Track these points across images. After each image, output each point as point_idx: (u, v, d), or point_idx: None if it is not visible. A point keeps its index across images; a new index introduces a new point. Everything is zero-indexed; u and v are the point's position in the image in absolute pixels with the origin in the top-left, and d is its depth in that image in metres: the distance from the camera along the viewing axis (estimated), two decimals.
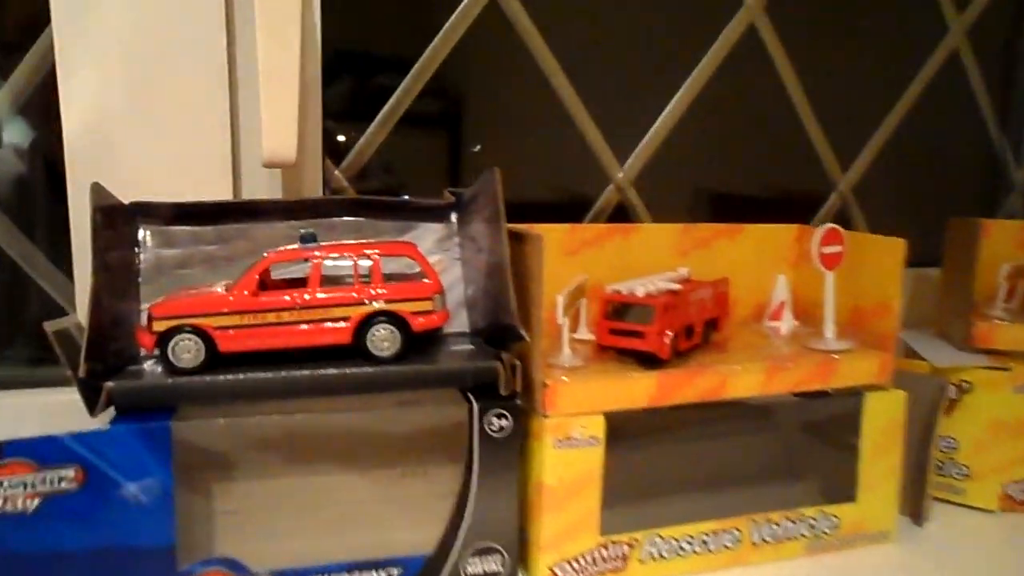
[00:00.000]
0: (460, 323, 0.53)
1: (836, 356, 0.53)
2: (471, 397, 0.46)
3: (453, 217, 0.54)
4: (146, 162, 0.52)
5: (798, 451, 0.57)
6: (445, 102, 0.69)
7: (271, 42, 0.47)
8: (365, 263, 0.46)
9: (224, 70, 0.52)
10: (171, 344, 0.43)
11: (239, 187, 0.54)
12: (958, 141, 0.89)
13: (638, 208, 0.75)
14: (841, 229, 0.55)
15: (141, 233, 0.50)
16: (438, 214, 0.54)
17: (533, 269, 0.46)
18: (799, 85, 0.80)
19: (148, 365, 0.46)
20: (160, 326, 0.43)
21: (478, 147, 0.68)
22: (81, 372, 0.41)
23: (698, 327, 0.53)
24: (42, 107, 0.58)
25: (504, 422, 0.46)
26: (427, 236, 0.54)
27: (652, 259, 0.60)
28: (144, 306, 0.49)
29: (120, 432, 0.41)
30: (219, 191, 0.53)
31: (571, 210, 0.74)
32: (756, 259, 0.63)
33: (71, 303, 0.62)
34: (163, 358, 0.43)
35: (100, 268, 0.44)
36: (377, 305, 0.45)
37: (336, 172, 0.65)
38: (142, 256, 0.50)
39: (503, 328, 0.48)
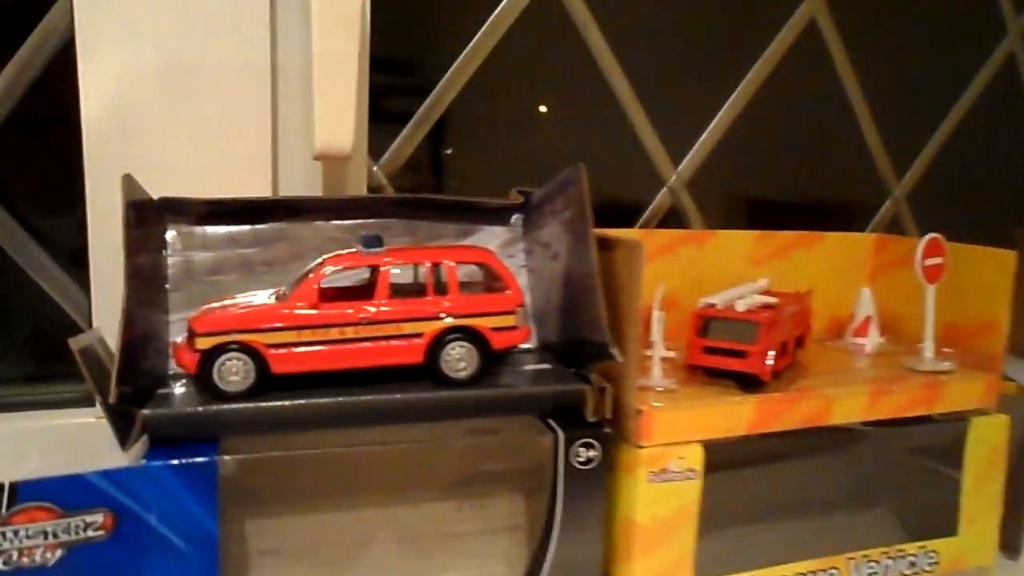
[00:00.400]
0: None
1: (942, 378, 0.48)
2: (555, 425, 0.41)
3: (516, 220, 0.49)
4: (175, 153, 0.46)
5: (895, 481, 0.52)
6: (487, 99, 0.63)
7: (328, 16, 0.41)
8: (439, 271, 0.40)
9: (266, 49, 0.46)
10: (217, 364, 0.37)
11: (277, 184, 0.48)
12: (1013, 147, 0.86)
13: (690, 212, 0.70)
14: (943, 239, 0.50)
15: (170, 233, 0.44)
16: (502, 216, 0.49)
17: (627, 281, 0.41)
18: (858, 87, 0.75)
19: (179, 387, 0.40)
20: (205, 343, 0.37)
21: (450, 135, 0.62)
22: (112, 397, 0.35)
23: (790, 345, 0.48)
24: (51, 89, 0.51)
25: (592, 453, 0.40)
26: (489, 241, 0.48)
27: (726, 268, 0.55)
28: (173, 318, 0.43)
29: (157, 469, 0.35)
30: (257, 187, 0.47)
31: (618, 214, 0.69)
32: (833, 270, 0.58)
33: (76, 308, 0.55)
34: (205, 380, 0.37)
35: (131, 275, 0.38)
36: (453, 320, 0.39)
37: (375, 168, 0.59)
38: (170, 260, 0.44)
39: (583, 345, 0.42)
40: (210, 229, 0.44)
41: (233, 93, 0.46)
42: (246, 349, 0.37)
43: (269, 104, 0.47)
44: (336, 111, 0.42)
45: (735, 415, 0.43)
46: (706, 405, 0.42)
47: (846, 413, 0.45)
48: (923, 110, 0.80)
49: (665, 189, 0.69)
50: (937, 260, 0.50)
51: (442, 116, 0.61)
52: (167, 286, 0.43)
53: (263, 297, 0.41)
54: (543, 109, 0.66)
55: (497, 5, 0.61)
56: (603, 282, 0.41)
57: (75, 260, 0.53)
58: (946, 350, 0.52)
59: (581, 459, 0.40)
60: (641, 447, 0.41)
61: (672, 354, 0.48)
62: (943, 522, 0.50)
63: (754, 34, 0.71)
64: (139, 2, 0.44)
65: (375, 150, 0.59)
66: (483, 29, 0.61)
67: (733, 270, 0.55)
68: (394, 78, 0.61)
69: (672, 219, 0.70)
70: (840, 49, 0.74)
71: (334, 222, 0.46)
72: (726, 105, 0.70)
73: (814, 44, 0.73)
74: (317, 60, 0.41)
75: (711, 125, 0.70)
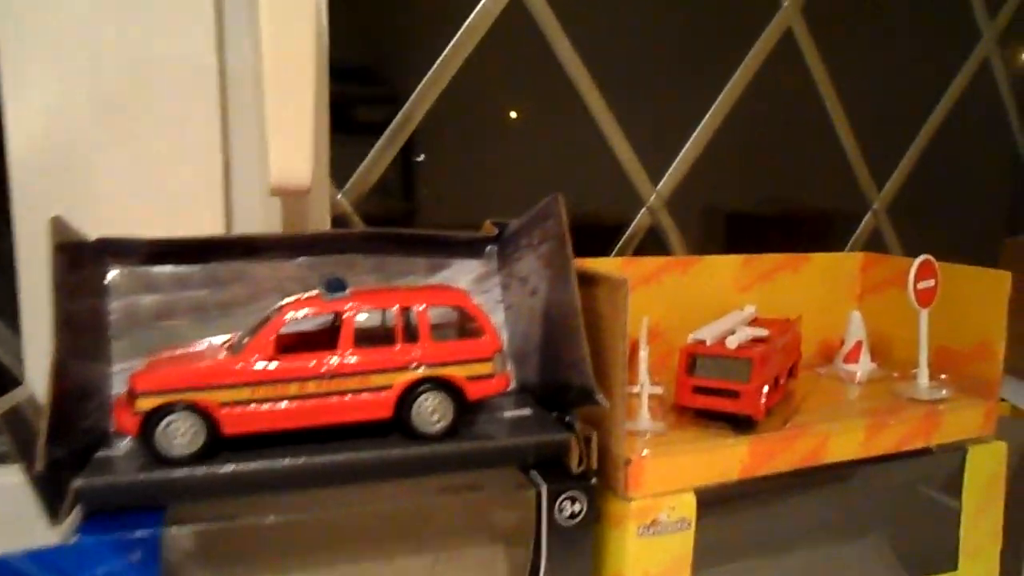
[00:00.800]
0: None
1: (939, 407, 0.46)
2: (538, 478, 0.37)
3: (491, 251, 0.46)
4: (116, 187, 0.42)
5: (892, 515, 0.50)
6: (459, 117, 0.60)
7: (279, 38, 0.37)
8: (409, 315, 0.37)
9: (213, 69, 0.42)
10: (161, 426, 0.33)
11: (231, 218, 0.45)
12: (993, 153, 0.85)
13: (670, 231, 0.68)
14: (935, 261, 0.48)
15: (111, 275, 0.40)
16: (475, 249, 0.45)
17: (611, 320, 0.38)
18: (836, 98, 0.74)
19: (124, 444, 0.36)
20: (146, 403, 0.33)
21: (421, 156, 0.59)
22: (38, 467, 0.31)
23: (782, 378, 0.46)
24: None
25: (577, 507, 0.37)
26: (462, 275, 0.45)
27: (712, 295, 0.52)
28: (117, 368, 0.39)
29: (93, 545, 0.31)
30: (208, 221, 0.43)
31: (597, 235, 0.66)
32: (821, 292, 0.56)
33: (11, 352, 0.51)
34: (148, 443, 0.33)
35: (63, 325, 0.34)
36: (425, 370, 0.36)
37: (339, 196, 0.56)
38: (112, 304, 0.40)
39: (566, 388, 0.39)
40: (157, 269, 0.40)
41: (178, 118, 0.42)
42: (194, 409, 0.33)
43: (219, 131, 0.43)
44: (292, 141, 0.38)
45: (729, 459, 0.40)
46: (698, 450, 0.40)
47: (842, 450, 0.43)
48: (901, 119, 0.79)
49: (644, 209, 0.66)
50: (930, 283, 0.48)
51: (409, 139, 0.58)
52: (109, 333, 0.39)
53: (215, 347, 0.37)
54: (517, 129, 0.63)
55: (464, 21, 0.58)
56: (586, 321, 0.38)
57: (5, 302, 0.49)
58: (941, 376, 0.50)
59: (566, 514, 0.37)
60: (630, 499, 0.38)
61: (659, 390, 0.45)
62: (943, 556, 0.48)
63: (729, 47, 0.69)
64: (71, 22, 0.40)
65: (338, 176, 0.56)
66: (450, 45, 0.58)
67: (719, 296, 0.52)
68: (357, 101, 0.58)
69: (652, 238, 0.67)
70: (817, 59, 0.72)
71: (294, 260, 0.42)
72: (703, 122, 0.68)
73: (790, 55, 0.71)
74: (268, 86, 0.37)
75: (689, 142, 0.67)
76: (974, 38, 0.81)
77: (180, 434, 0.33)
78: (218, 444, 0.34)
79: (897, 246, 0.79)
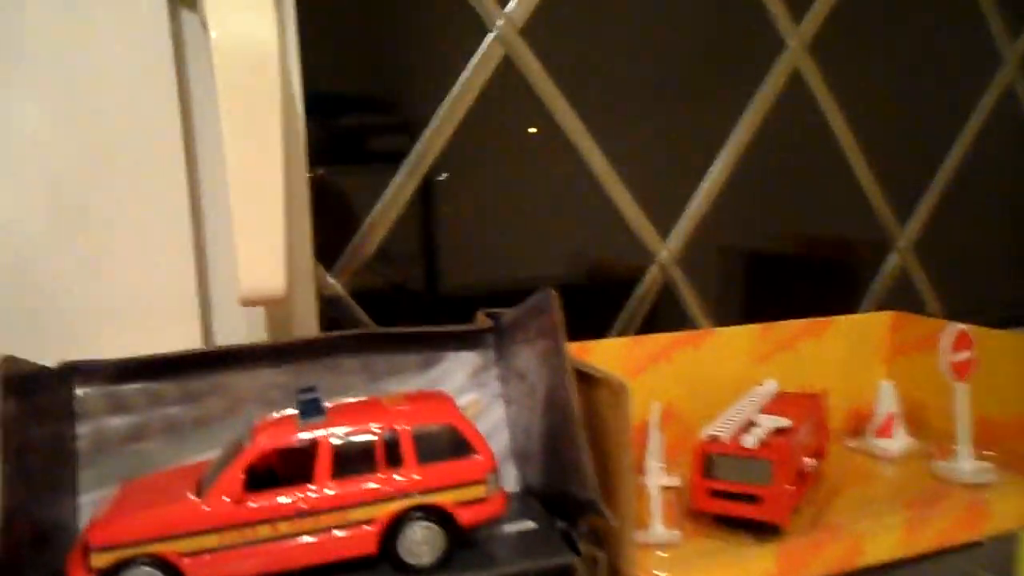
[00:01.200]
0: (506, 480, 0.41)
1: (985, 494, 0.42)
2: None
3: (488, 343, 0.43)
4: (81, 303, 0.39)
5: None
6: (456, 180, 0.57)
7: (244, 144, 0.35)
8: (392, 436, 0.33)
9: (181, 167, 0.40)
10: None
11: (210, 327, 0.42)
12: (1018, 184, 0.80)
13: (684, 289, 0.64)
14: (971, 331, 0.44)
15: (78, 398, 0.37)
16: (470, 341, 0.42)
17: (615, 427, 0.35)
18: (852, 138, 0.70)
19: None
20: (103, 560, 0.30)
21: (444, 175, 0.56)
22: None
23: (808, 466, 0.42)
24: None
25: None
26: (457, 370, 0.42)
27: (728, 369, 0.49)
28: (85, 499, 0.37)
29: None
30: (184, 336, 0.41)
31: (607, 293, 0.63)
32: (846, 357, 0.52)
33: None
34: None
35: (12, 461, 0.31)
36: (412, 499, 0.32)
37: (330, 279, 0.53)
38: (79, 430, 0.37)
39: (570, 497, 0.36)
40: (127, 388, 0.38)
41: (146, 223, 0.40)
42: (156, 563, 0.30)
43: (191, 234, 0.40)
44: (262, 248, 0.36)
45: (752, 572, 0.36)
46: (717, 565, 0.36)
47: (880, 551, 0.39)
48: (923, 153, 0.75)
49: (655, 264, 0.63)
50: (966, 355, 0.44)
51: (404, 210, 0.55)
52: (77, 462, 0.37)
53: (184, 476, 0.34)
54: (522, 191, 0.60)
55: (457, 79, 0.56)
56: (588, 425, 0.35)
57: None
58: (985, 453, 0.45)
59: None
60: None
61: (676, 482, 0.42)
62: None
63: (735, 93, 0.66)
64: (25, 128, 0.38)
65: (327, 255, 0.53)
66: (444, 105, 0.55)
67: (737, 370, 0.49)
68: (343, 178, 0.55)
69: (667, 295, 0.64)
70: (829, 99, 0.69)
71: (275, 368, 0.40)
72: (712, 172, 0.64)
73: (800, 97, 0.68)
74: (233, 192, 0.35)
75: (699, 194, 0.64)
76: (995, 63, 0.77)
77: None
78: None
79: (927, 286, 0.74)
